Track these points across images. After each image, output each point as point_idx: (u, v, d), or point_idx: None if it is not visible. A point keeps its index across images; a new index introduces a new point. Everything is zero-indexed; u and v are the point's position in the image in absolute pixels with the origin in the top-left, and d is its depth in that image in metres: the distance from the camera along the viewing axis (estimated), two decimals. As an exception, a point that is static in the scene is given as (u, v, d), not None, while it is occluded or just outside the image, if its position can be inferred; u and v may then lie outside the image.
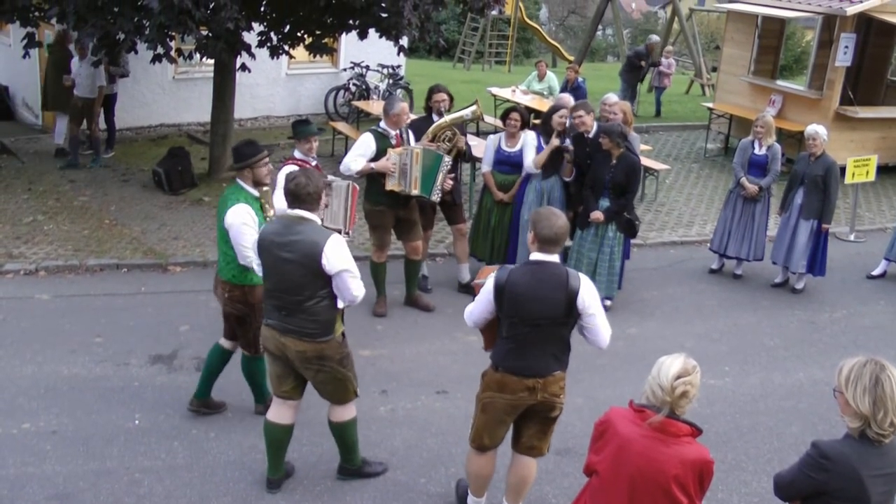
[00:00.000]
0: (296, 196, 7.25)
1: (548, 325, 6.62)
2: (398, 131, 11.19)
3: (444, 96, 11.89)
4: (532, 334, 6.66)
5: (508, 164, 12.13)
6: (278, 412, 7.74)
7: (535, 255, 6.67)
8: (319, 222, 7.35)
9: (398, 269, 11.98)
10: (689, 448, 5.16)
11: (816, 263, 13.08)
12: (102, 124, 17.84)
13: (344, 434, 7.92)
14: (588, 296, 6.61)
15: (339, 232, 10.04)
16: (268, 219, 8.37)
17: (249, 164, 8.27)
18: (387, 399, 9.63)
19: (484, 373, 7.07)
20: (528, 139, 12.11)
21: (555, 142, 11.83)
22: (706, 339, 11.66)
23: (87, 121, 16.99)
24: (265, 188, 8.56)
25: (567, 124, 12.05)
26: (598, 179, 11.64)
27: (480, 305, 6.87)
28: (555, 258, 6.65)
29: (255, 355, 8.68)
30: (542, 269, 6.61)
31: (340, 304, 7.38)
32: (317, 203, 7.29)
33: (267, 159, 8.42)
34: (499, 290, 6.65)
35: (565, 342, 6.83)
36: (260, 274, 7.74)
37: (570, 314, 6.62)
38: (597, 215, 11.68)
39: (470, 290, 11.60)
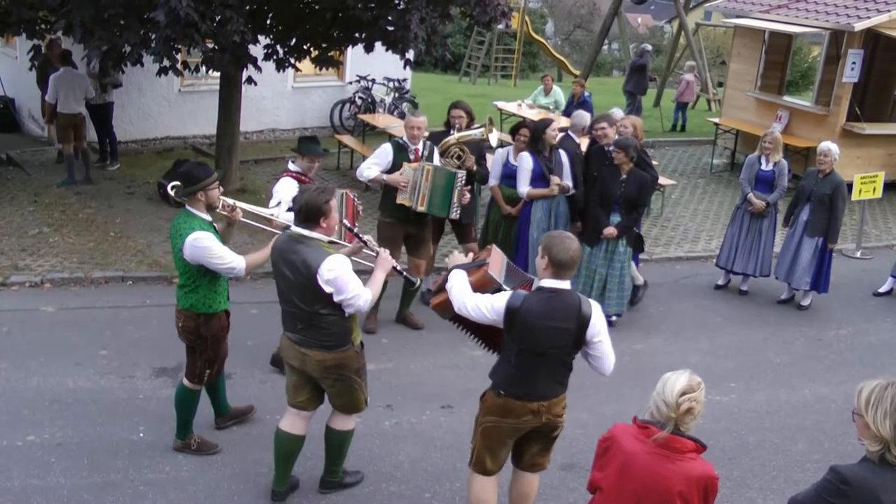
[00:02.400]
0: (295, 213, 7.24)
1: (556, 354, 6.56)
2: (418, 146, 11.19)
3: (461, 113, 11.93)
4: (539, 362, 6.59)
5: (516, 177, 12.10)
6: (292, 423, 7.72)
7: (549, 282, 6.52)
8: (323, 239, 7.21)
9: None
10: (693, 464, 5.14)
11: (820, 281, 13.07)
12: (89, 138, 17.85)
13: (342, 443, 7.92)
14: (598, 322, 6.53)
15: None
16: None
17: (202, 186, 7.85)
18: (392, 413, 9.62)
19: (483, 395, 6.98)
20: (523, 162, 11.97)
21: (554, 189, 11.89)
22: (712, 356, 11.64)
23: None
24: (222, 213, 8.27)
25: (558, 138, 12.08)
26: (609, 195, 11.60)
27: (489, 316, 6.69)
28: (567, 285, 6.54)
29: (195, 388, 8.43)
30: (557, 297, 6.49)
31: (347, 315, 7.32)
32: (314, 220, 7.13)
33: (217, 183, 8.05)
34: (511, 314, 6.53)
35: (569, 367, 6.76)
36: (237, 266, 7.83)
37: (578, 344, 6.57)
38: (610, 231, 11.65)
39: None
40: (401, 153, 11.08)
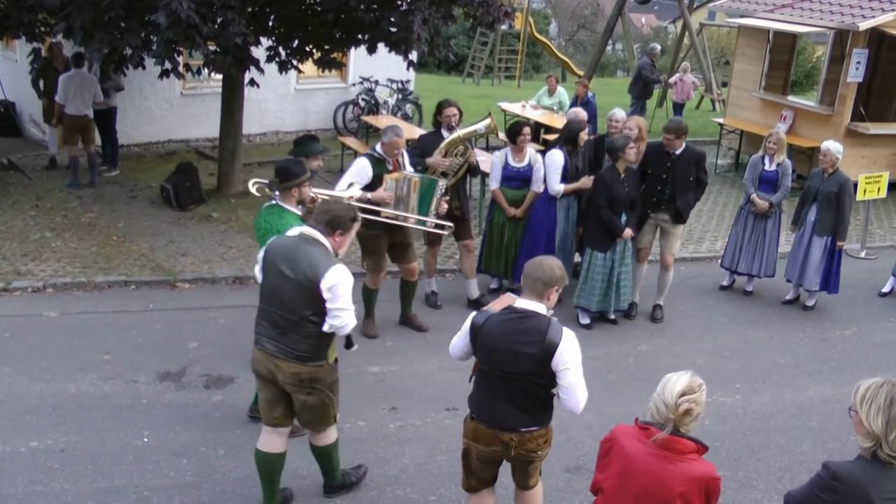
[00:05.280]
0: (318, 214, 7.26)
1: (518, 380, 6.30)
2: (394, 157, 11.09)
3: (455, 111, 11.84)
4: (502, 386, 6.37)
5: (518, 179, 12.11)
6: (269, 441, 7.61)
7: (521, 303, 6.38)
8: (330, 249, 7.19)
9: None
10: (694, 465, 5.14)
11: (830, 280, 13.05)
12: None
13: (330, 456, 7.87)
14: (567, 352, 6.20)
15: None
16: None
17: (298, 183, 8.26)
18: (396, 416, 9.60)
19: (465, 417, 6.85)
20: (554, 158, 12.02)
21: (584, 182, 11.98)
22: (717, 356, 11.63)
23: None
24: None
25: (585, 138, 12.16)
26: (619, 198, 11.61)
27: (459, 341, 6.67)
28: (539, 308, 6.33)
29: None
30: (523, 320, 6.29)
31: (326, 328, 7.16)
32: (333, 229, 7.17)
33: (310, 179, 8.46)
34: (473, 333, 6.45)
35: (542, 400, 6.44)
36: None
37: (542, 374, 6.25)
38: (629, 232, 11.83)
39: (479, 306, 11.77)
40: (379, 166, 10.82)
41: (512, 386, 6.34)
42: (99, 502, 7.84)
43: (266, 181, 8.74)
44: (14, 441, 8.64)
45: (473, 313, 6.63)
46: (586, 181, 11.99)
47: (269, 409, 7.55)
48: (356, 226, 7.38)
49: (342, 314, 7.07)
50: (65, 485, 8.05)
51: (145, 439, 8.86)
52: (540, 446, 6.58)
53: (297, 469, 8.07)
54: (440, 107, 12.03)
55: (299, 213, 8.36)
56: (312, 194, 8.61)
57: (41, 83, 17.70)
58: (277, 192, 8.47)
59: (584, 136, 12.20)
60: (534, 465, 6.81)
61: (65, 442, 8.71)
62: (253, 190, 8.61)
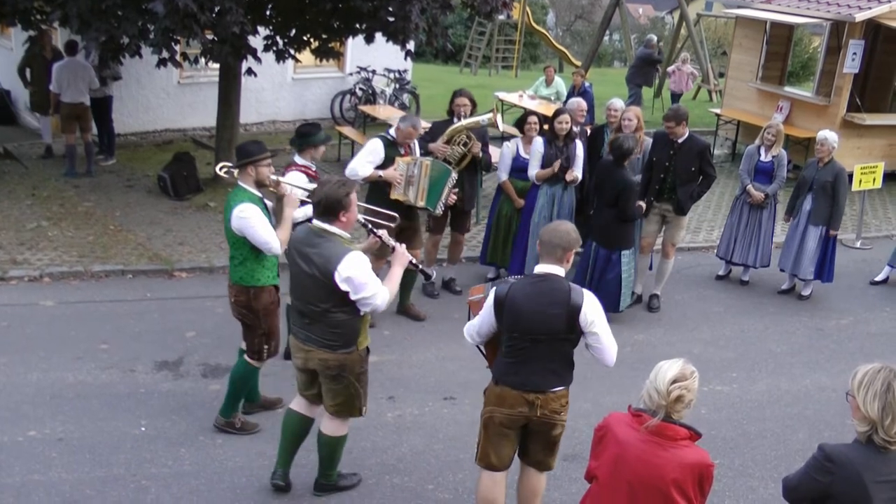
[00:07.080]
0: (314, 206, 7.17)
1: (548, 340, 6.50)
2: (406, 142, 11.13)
3: (466, 101, 11.92)
4: (532, 349, 6.54)
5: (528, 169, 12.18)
6: (300, 403, 7.73)
7: (539, 268, 6.58)
8: (343, 235, 7.11)
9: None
10: (687, 452, 5.16)
11: (825, 270, 13.08)
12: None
13: (335, 449, 7.80)
14: (591, 312, 6.47)
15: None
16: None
17: (253, 160, 8.15)
18: (394, 405, 9.61)
19: (486, 389, 6.97)
20: (535, 145, 12.11)
21: (556, 166, 11.99)
22: (713, 346, 11.65)
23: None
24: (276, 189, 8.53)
25: (568, 129, 12.09)
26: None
27: (482, 319, 6.77)
28: (559, 271, 6.53)
29: (256, 365, 8.62)
30: (544, 282, 6.52)
31: (361, 314, 7.19)
32: (333, 214, 7.02)
33: (270, 160, 8.32)
34: (499, 303, 6.55)
35: (567, 358, 6.69)
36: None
37: (571, 330, 6.49)
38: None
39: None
40: (391, 148, 10.95)
41: (542, 347, 6.54)
42: (97, 491, 7.84)
43: (231, 164, 8.70)
44: (11, 431, 8.64)
45: (492, 289, 6.73)
46: (555, 166, 12.03)
47: (305, 386, 7.63)
48: (353, 196, 7.18)
49: (371, 300, 7.04)
50: (62, 474, 8.04)
51: (143, 428, 8.85)
52: (563, 407, 6.79)
53: (297, 459, 8.04)
54: (453, 96, 12.17)
55: (258, 193, 8.25)
56: (274, 178, 8.50)
57: (28, 72, 17.70)
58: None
59: (557, 124, 12.11)
60: (557, 434, 6.94)
61: (62, 431, 8.70)
62: (221, 173, 8.55)
